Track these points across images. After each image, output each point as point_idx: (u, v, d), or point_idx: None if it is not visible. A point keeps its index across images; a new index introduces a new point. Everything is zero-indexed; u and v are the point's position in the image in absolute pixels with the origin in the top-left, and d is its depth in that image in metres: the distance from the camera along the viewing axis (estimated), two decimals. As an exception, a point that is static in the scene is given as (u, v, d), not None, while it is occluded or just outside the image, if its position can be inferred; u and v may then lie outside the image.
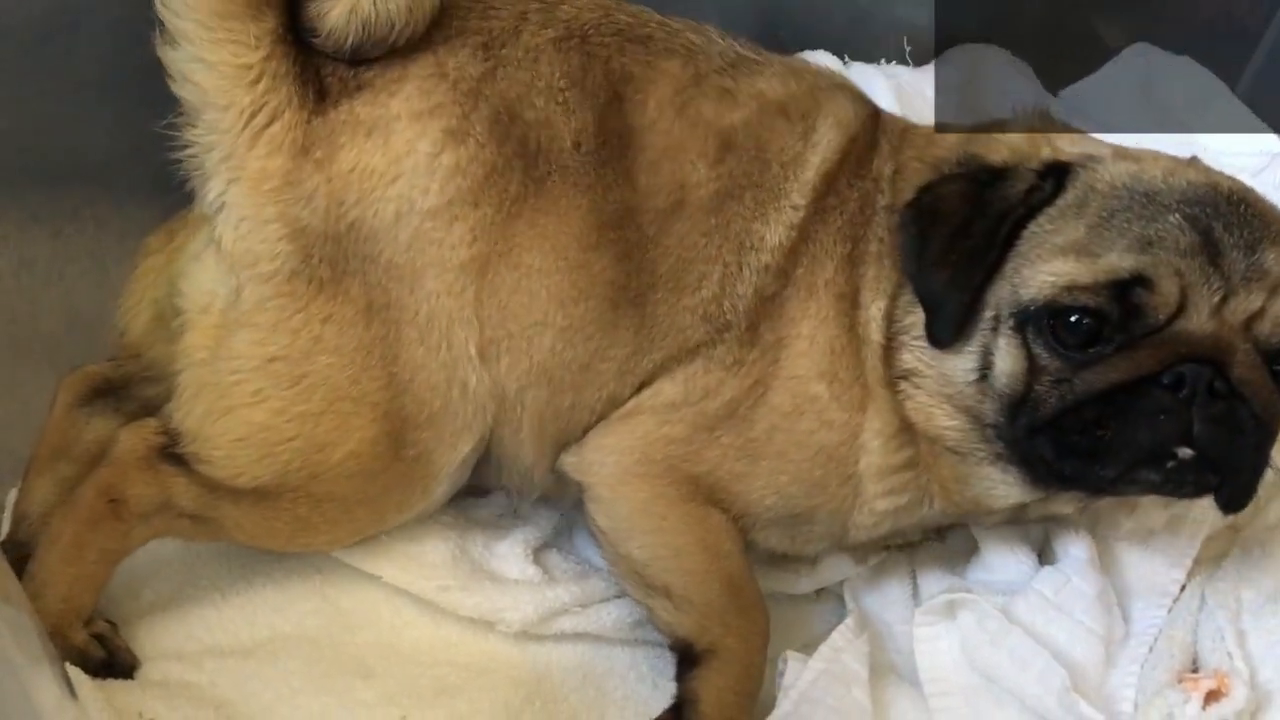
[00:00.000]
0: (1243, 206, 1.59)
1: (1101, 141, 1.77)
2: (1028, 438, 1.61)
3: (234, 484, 1.64)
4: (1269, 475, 1.90)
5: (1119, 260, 1.54)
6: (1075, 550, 1.82)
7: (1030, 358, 1.59)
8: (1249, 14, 3.14)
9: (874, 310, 1.72)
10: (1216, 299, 1.53)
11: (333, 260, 1.62)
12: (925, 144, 1.82)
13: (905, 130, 1.87)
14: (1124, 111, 2.78)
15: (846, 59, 2.64)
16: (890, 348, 1.71)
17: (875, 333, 1.71)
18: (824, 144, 1.77)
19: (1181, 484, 1.59)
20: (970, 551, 1.94)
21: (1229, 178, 1.67)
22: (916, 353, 1.68)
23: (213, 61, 1.60)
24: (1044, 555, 1.90)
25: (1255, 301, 1.54)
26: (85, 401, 1.84)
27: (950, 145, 1.79)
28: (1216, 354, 1.53)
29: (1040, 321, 1.57)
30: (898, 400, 1.71)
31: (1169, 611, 1.80)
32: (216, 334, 1.64)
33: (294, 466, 1.64)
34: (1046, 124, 1.79)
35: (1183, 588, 1.82)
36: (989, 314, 1.63)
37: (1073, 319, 1.55)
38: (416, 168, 1.62)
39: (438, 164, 1.63)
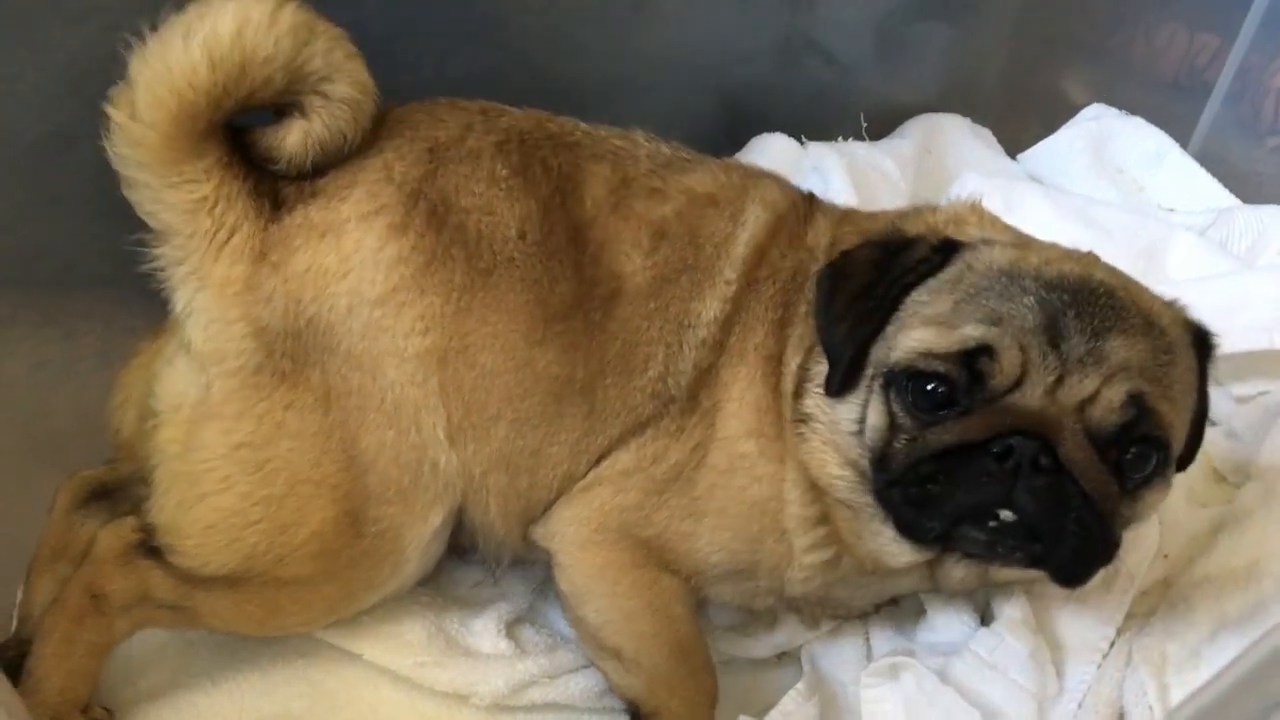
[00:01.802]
0: (1104, 298, 1.65)
1: (1011, 230, 1.87)
2: (885, 489, 1.70)
3: (203, 572, 1.75)
4: (1197, 530, 2.01)
5: (971, 331, 1.63)
6: (1010, 611, 1.91)
7: (891, 415, 1.69)
8: (1209, 67, 3.22)
9: (793, 365, 1.82)
10: (1051, 378, 1.60)
11: (293, 354, 1.74)
12: (864, 220, 1.96)
13: (846, 213, 2.00)
14: (1078, 173, 2.89)
15: (803, 139, 2.74)
16: (798, 394, 1.81)
17: (789, 383, 1.81)
18: (752, 220, 1.89)
19: (1007, 547, 1.65)
20: (920, 614, 2.02)
21: (1112, 274, 1.74)
22: (816, 399, 1.78)
23: (171, 202, 1.74)
24: (985, 617, 1.99)
25: (1089, 386, 1.59)
26: (82, 504, 1.97)
27: (885, 221, 1.92)
28: (1045, 430, 1.59)
29: (900, 383, 1.67)
30: (798, 445, 1.79)
31: (1098, 668, 1.87)
32: (188, 428, 1.76)
33: (260, 550, 1.75)
34: (975, 212, 1.89)
35: (1112, 644, 1.90)
36: (869, 371, 1.73)
37: (928, 386, 1.65)
38: (363, 262, 1.75)
39: (382, 256, 1.75)
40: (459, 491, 1.83)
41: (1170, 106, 3.14)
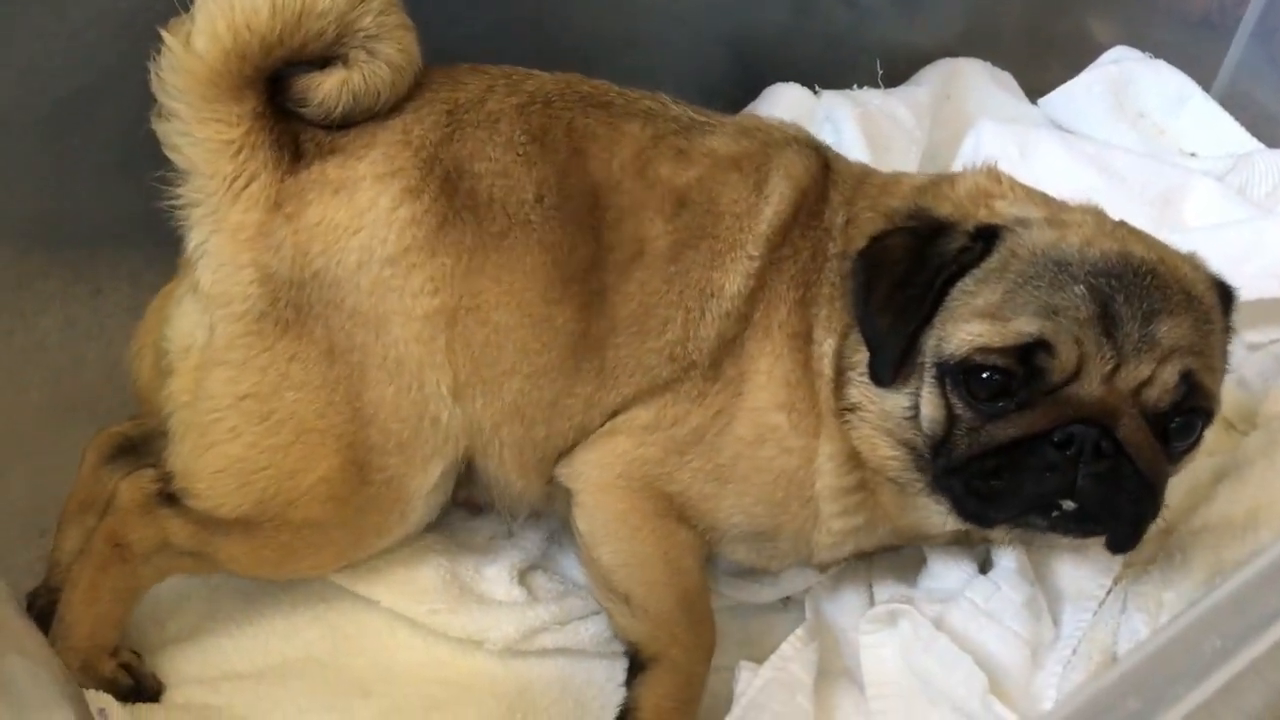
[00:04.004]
0: (1149, 278, 1.68)
1: (1041, 200, 1.87)
2: (944, 476, 1.74)
3: (218, 515, 1.82)
4: (1199, 480, 2.02)
5: (1026, 325, 1.65)
6: (1005, 561, 1.95)
7: (948, 406, 1.72)
8: (1240, 3, 3.16)
9: (826, 347, 1.85)
10: (1109, 367, 1.64)
11: (297, 304, 1.79)
12: (878, 194, 1.95)
13: (860, 180, 1.99)
14: (1099, 118, 2.86)
15: (817, 89, 2.72)
16: (839, 382, 1.84)
17: (827, 367, 1.85)
18: (776, 197, 1.90)
19: (1066, 530, 1.73)
20: (922, 562, 2.06)
21: (1147, 245, 1.76)
22: (861, 388, 1.81)
23: (200, 137, 1.79)
24: (984, 565, 2.02)
25: (1144, 370, 1.64)
26: (109, 460, 2.03)
27: (903, 195, 1.92)
28: (1104, 417, 1.64)
29: (956, 375, 1.70)
30: (845, 430, 1.84)
31: (1094, 615, 1.90)
32: (196, 376, 1.82)
33: (269, 494, 1.82)
34: (994, 179, 1.90)
35: (1109, 592, 1.93)
36: (919, 360, 1.75)
37: (984, 375, 1.67)
38: (377, 220, 1.79)
39: (395, 217, 1.80)
40: (461, 446, 1.88)
41: (1197, 45, 3.09)
